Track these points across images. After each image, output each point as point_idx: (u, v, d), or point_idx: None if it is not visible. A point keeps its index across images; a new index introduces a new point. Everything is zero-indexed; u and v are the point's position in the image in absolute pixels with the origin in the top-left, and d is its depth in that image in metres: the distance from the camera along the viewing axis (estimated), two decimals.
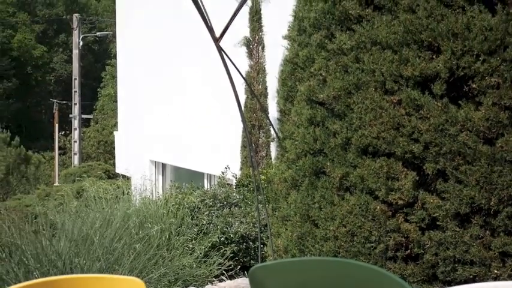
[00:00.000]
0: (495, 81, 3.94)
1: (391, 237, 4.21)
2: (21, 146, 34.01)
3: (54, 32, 62.32)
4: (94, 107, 49.10)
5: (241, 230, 7.48)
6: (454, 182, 4.04)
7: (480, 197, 3.96)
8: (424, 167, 4.13)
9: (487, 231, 4.03)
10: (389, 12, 4.24)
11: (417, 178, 4.15)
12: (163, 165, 16.83)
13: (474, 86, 4.00)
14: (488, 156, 3.94)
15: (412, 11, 4.15)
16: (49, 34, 62.69)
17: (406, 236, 4.19)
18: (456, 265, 4.10)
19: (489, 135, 3.96)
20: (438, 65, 4.03)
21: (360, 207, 4.29)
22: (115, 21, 19.71)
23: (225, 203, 8.29)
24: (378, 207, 4.23)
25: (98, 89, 51.17)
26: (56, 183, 27.30)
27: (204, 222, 7.66)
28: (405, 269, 4.21)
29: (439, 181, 4.11)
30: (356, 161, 4.33)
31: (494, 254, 4.00)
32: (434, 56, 4.08)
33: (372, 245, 4.27)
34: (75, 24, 35.43)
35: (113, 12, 21.12)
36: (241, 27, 10.51)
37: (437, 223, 4.12)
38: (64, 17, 52.66)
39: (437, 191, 4.12)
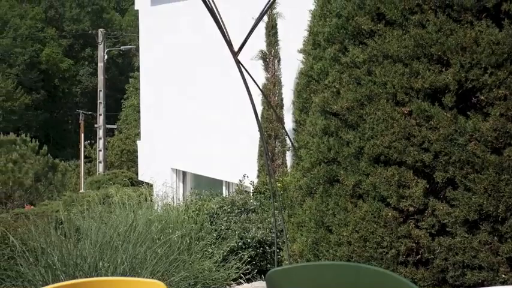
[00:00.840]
0: (502, 93, 3.93)
1: (402, 242, 4.19)
2: (49, 154, 34.15)
3: (80, 46, 62.72)
4: (118, 117, 49.31)
5: (258, 235, 7.47)
6: (463, 190, 4.03)
7: (488, 205, 3.94)
8: (434, 176, 4.11)
9: (495, 237, 4.01)
10: (400, 27, 4.24)
11: (427, 186, 4.14)
12: (184, 173, 16.85)
13: (482, 97, 3.99)
14: (496, 165, 3.92)
15: (422, 26, 4.15)
16: (76, 48, 63.10)
17: (416, 241, 4.17)
18: (465, 270, 4.08)
19: (497, 145, 3.94)
20: (447, 78, 4.02)
21: (372, 214, 4.28)
22: (138, 36, 19.79)
23: (242, 209, 8.29)
24: (390, 214, 4.22)
25: (122, 100, 51.39)
26: (82, 190, 27.37)
27: (223, 227, 7.66)
28: (416, 274, 4.19)
29: (449, 189, 4.09)
30: (368, 169, 4.32)
31: (502, 259, 3.98)
32: (443, 69, 4.08)
33: (384, 250, 4.26)
34: (100, 39, 35.62)
35: (136, 27, 21.21)
36: (258, 41, 10.53)
37: (447, 229, 4.10)
38: (90, 32, 52.91)
39: (446, 199, 4.10)
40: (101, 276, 5.69)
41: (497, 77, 3.93)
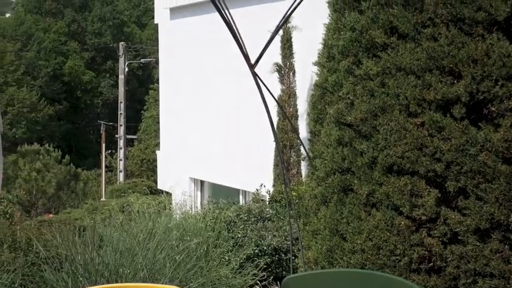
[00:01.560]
0: None
1: (415, 250, 4.18)
2: (71, 164, 34.33)
3: (102, 59, 63.04)
4: (138, 127, 49.47)
5: (274, 243, 7.46)
6: (474, 199, 4.01)
7: (499, 214, 3.92)
8: (446, 185, 4.10)
9: (506, 246, 3.99)
10: (413, 40, 4.23)
11: (439, 195, 4.12)
12: (202, 182, 16.87)
13: (493, 109, 3.98)
14: (507, 175, 3.90)
15: (434, 39, 4.14)
16: (97, 61, 63.45)
17: (429, 249, 4.15)
18: (477, 277, 4.05)
19: (507, 155, 3.92)
20: (459, 90, 4.01)
21: (385, 222, 4.27)
22: (158, 49, 19.87)
23: (259, 217, 8.28)
24: (403, 223, 4.21)
25: (142, 111, 51.56)
26: (103, 199, 27.45)
27: (240, 235, 7.66)
28: (428, 281, 4.17)
29: (460, 198, 4.08)
30: (382, 179, 4.31)
31: None
32: (455, 81, 4.07)
33: (397, 257, 4.24)
34: (121, 52, 35.81)
35: (155, 41, 21.32)
36: (274, 54, 10.55)
37: (459, 238, 4.08)
38: (111, 45, 53.16)
39: (458, 208, 4.08)
40: (122, 282, 5.70)
41: (507, 89, 3.91)
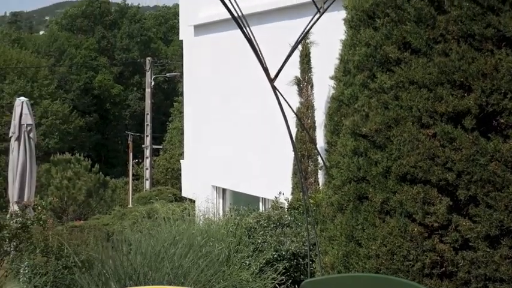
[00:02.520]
0: None
1: (427, 256, 4.16)
2: (100, 172, 34.55)
3: (129, 73, 63.49)
4: (163, 138, 49.68)
5: (293, 248, 7.45)
6: (484, 207, 3.99)
7: (509, 221, 3.90)
8: (457, 193, 4.08)
9: None
10: (425, 56, 4.23)
11: (451, 203, 4.11)
12: (224, 190, 16.89)
13: (502, 120, 3.96)
14: None
15: (446, 54, 4.14)
16: (125, 75, 63.89)
17: (441, 255, 4.13)
18: (487, 282, 4.03)
19: None
20: (469, 102, 4.00)
21: (399, 229, 4.26)
22: (182, 64, 19.95)
23: (278, 223, 8.27)
24: (416, 229, 4.19)
25: (167, 123, 51.82)
26: (130, 205, 27.58)
27: (259, 241, 7.66)
28: (440, 285, 4.15)
29: (471, 206, 4.06)
30: (395, 187, 4.30)
31: None
32: (465, 94, 4.05)
33: (410, 263, 4.22)
34: (147, 67, 36.04)
35: (180, 56, 21.42)
36: (293, 68, 10.56)
37: (470, 244, 4.06)
38: (138, 60, 53.61)
39: (469, 215, 4.06)
40: (149, 285, 5.72)
41: None
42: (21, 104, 11.64)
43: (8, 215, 9.34)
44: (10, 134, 11.88)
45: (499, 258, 3.96)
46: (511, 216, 3.90)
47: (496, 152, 3.94)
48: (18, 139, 11.47)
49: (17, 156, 11.46)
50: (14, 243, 8.49)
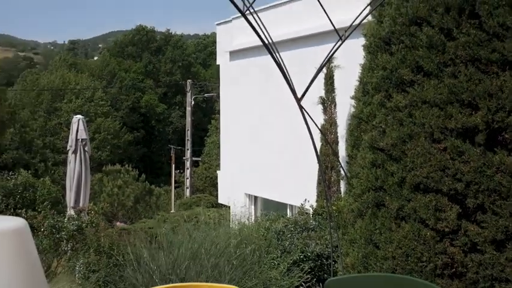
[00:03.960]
0: None
1: (439, 258, 4.12)
2: (146, 181, 34.77)
3: (172, 94, 63.93)
4: (202, 151, 49.81)
5: (317, 250, 7.42)
6: (491, 214, 3.95)
7: None
8: (466, 202, 4.05)
9: None
10: (436, 78, 4.21)
11: (460, 210, 4.07)
12: (255, 198, 16.89)
13: (507, 136, 3.93)
14: None
15: (455, 76, 4.11)
16: (169, 95, 64.35)
17: (451, 257, 4.09)
18: (494, 282, 3.98)
19: None
20: (477, 119, 3.97)
21: (413, 233, 4.23)
22: (219, 85, 20.08)
23: (303, 228, 8.25)
24: (428, 234, 4.16)
25: (205, 138, 51.97)
26: (172, 211, 27.66)
27: (287, 243, 7.64)
28: (451, 285, 4.10)
29: (479, 213, 4.02)
30: (410, 196, 4.28)
31: None
32: (473, 112, 4.03)
33: (423, 264, 4.19)
34: (188, 88, 36.29)
35: (217, 78, 21.55)
36: (318, 89, 10.57)
37: (478, 247, 4.01)
38: (180, 82, 53.91)
39: (477, 221, 4.02)
40: (189, 281, 5.73)
41: None
42: (77, 121, 11.79)
43: (66, 219, 9.44)
44: (68, 148, 12.04)
45: (504, 261, 3.92)
46: None
47: (501, 164, 3.90)
48: (74, 152, 11.62)
49: (74, 167, 11.60)
50: (71, 244, 8.59)
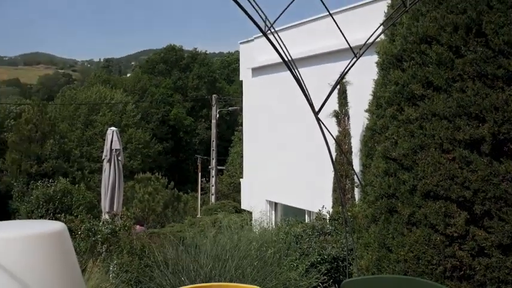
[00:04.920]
0: None
1: (448, 261, 4.08)
2: (175, 188, 34.89)
3: (199, 107, 64.20)
4: (226, 160, 49.88)
5: (333, 253, 7.38)
6: (497, 220, 3.91)
7: None
8: (474, 208, 4.01)
9: None
10: (445, 92, 4.18)
11: (468, 216, 4.03)
12: (276, 204, 16.87)
13: None
14: None
15: (463, 91, 4.08)
16: (195, 109, 64.63)
17: (460, 260, 4.05)
18: (500, 284, 3.92)
19: None
20: (483, 131, 3.94)
21: (424, 238, 4.19)
22: (242, 99, 20.13)
23: (320, 232, 8.22)
24: (438, 238, 4.12)
25: (229, 148, 52.05)
26: (199, 215, 27.72)
27: (305, 246, 7.61)
28: (460, 287, 4.06)
29: (486, 219, 3.97)
30: (421, 202, 4.24)
31: None
32: (480, 124, 3.99)
33: (434, 267, 4.15)
34: (213, 102, 36.45)
35: (240, 93, 21.62)
36: (332, 103, 10.57)
37: (485, 251, 3.97)
38: (206, 97, 54.14)
39: (484, 227, 3.98)
40: (213, 282, 5.73)
41: None
42: (111, 132, 11.88)
43: (101, 223, 9.51)
44: (103, 157, 12.12)
45: (510, 264, 3.87)
46: None
47: (507, 173, 3.86)
48: (109, 161, 11.69)
49: (108, 174, 11.67)
50: (105, 246, 8.63)
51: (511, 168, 3.87)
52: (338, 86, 10.62)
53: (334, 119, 10.81)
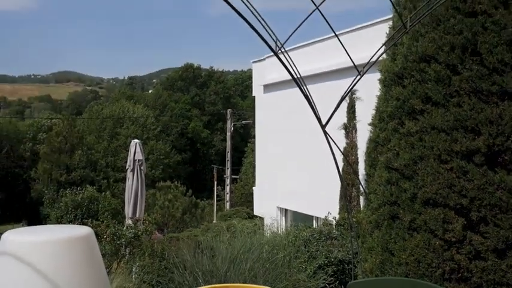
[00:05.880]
0: None
1: (447, 264, 4.05)
2: (192, 196, 34.89)
3: (215, 121, 64.40)
4: (239, 170, 49.88)
5: (339, 256, 7.35)
6: (492, 226, 3.88)
7: None
8: (470, 215, 3.98)
9: None
10: (443, 107, 4.17)
11: (465, 223, 4.00)
12: (286, 210, 16.84)
13: (506, 158, 3.87)
14: None
15: (460, 105, 4.07)
16: (212, 122, 64.83)
17: (458, 264, 4.02)
18: (496, 286, 3.89)
19: None
20: (479, 143, 3.92)
21: (424, 242, 4.16)
22: (254, 114, 20.18)
23: (327, 237, 8.19)
24: (437, 243, 4.09)
25: (242, 158, 52.07)
26: (214, 221, 27.70)
27: (313, 250, 7.58)
28: None
29: (482, 225, 3.95)
30: (421, 209, 4.22)
31: None
32: (476, 137, 3.98)
33: (433, 269, 4.12)
34: (228, 116, 36.54)
35: (252, 108, 21.68)
36: (341, 117, 10.56)
37: (481, 255, 3.94)
38: (221, 111, 54.30)
39: (480, 232, 3.95)
40: (228, 282, 5.72)
41: None
42: (134, 144, 11.94)
43: (124, 227, 9.54)
44: (126, 167, 12.17)
45: (505, 267, 3.84)
46: None
47: (501, 182, 3.84)
48: (132, 170, 11.74)
49: (131, 183, 11.72)
50: (129, 249, 8.66)
51: (505, 177, 3.84)
52: (347, 101, 10.63)
53: (342, 132, 10.81)
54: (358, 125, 10.74)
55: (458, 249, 4.04)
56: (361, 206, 9.83)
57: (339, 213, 10.43)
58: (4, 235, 2.20)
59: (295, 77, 3.56)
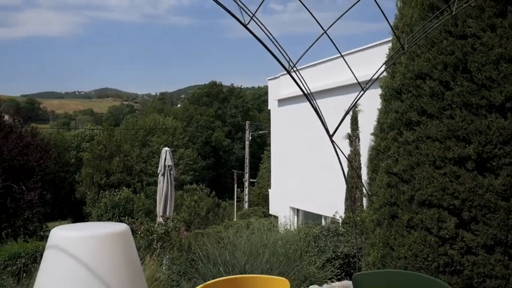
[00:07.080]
0: (508, 161, 3.76)
1: (441, 258, 4.01)
2: (216, 197, 34.97)
3: (235, 131, 64.58)
4: (257, 174, 49.86)
5: (345, 251, 7.31)
6: (482, 224, 3.84)
7: (500, 234, 3.74)
8: (462, 214, 3.94)
9: (506, 257, 3.77)
10: (437, 119, 4.14)
11: (458, 221, 3.96)
12: (297, 210, 16.79)
13: (494, 164, 3.83)
14: (505, 208, 3.73)
15: (452, 117, 4.04)
16: (232, 133, 65.03)
17: (451, 258, 3.98)
18: (485, 278, 3.84)
19: (505, 195, 3.75)
20: (470, 151, 3.88)
21: (420, 239, 4.13)
22: (270, 125, 20.20)
23: (335, 233, 8.15)
24: (432, 239, 4.05)
25: (259, 164, 52.08)
26: (235, 219, 27.71)
27: (322, 245, 7.55)
28: (451, 280, 3.98)
29: (472, 223, 3.90)
30: (417, 209, 4.19)
31: (511, 271, 3.73)
32: (467, 145, 3.94)
33: (429, 263, 4.08)
34: (247, 127, 36.59)
35: (268, 120, 21.70)
36: (346, 127, 10.53)
37: (472, 250, 3.89)
38: (241, 123, 54.44)
39: (471, 230, 3.91)
40: (246, 274, 5.72)
41: (504, 151, 3.77)
42: (165, 151, 12.00)
43: (156, 225, 9.59)
44: (158, 171, 12.24)
45: (493, 261, 3.79)
46: (502, 231, 3.74)
47: (490, 185, 3.80)
48: (163, 175, 11.79)
49: (162, 186, 11.77)
50: (160, 243, 8.70)
51: (494, 181, 3.80)
52: (351, 114, 10.61)
53: (347, 141, 10.78)
54: (360, 135, 10.71)
55: (451, 245, 4.00)
56: (365, 207, 9.77)
57: (345, 213, 10.39)
58: (52, 231, 2.23)
59: (306, 92, 3.57)
